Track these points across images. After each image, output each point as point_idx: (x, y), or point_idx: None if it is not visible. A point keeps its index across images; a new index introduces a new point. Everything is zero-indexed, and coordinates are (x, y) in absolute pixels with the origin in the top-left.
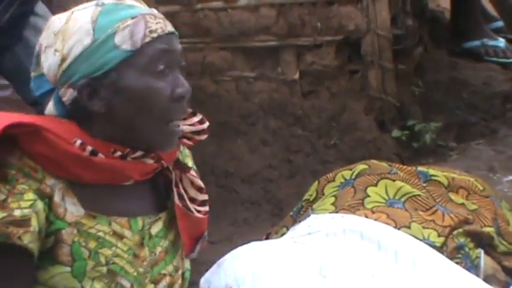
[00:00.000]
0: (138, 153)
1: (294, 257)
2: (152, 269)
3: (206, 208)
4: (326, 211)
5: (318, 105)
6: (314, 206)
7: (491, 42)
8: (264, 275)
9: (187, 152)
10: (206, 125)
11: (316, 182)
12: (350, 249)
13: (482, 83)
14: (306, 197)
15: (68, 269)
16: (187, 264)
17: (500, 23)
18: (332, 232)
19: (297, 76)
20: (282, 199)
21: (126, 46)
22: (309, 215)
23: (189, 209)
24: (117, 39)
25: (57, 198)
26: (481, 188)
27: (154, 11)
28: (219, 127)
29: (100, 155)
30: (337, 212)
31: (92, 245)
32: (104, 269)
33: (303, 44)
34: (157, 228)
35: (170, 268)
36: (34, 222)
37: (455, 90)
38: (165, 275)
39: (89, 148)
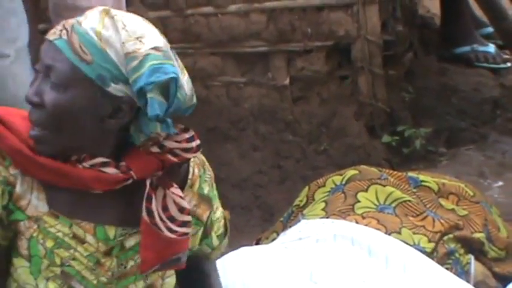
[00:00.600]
0: (96, 160)
1: (284, 262)
2: (118, 281)
3: (185, 229)
4: (316, 216)
5: (308, 111)
6: (304, 212)
7: (481, 48)
8: (254, 281)
9: (207, 176)
10: (195, 143)
11: (307, 188)
12: (341, 254)
13: (472, 88)
14: (296, 202)
15: (27, 264)
16: (170, 281)
17: (490, 29)
18: (322, 238)
19: (287, 81)
20: (272, 205)
21: None
22: (299, 221)
23: (157, 227)
24: None
25: (19, 189)
26: (471, 193)
27: (74, 22)
28: (209, 132)
29: (58, 159)
30: (327, 218)
31: (49, 244)
32: (58, 270)
33: (293, 50)
34: (133, 241)
35: (140, 285)
36: None
37: (446, 96)
38: None
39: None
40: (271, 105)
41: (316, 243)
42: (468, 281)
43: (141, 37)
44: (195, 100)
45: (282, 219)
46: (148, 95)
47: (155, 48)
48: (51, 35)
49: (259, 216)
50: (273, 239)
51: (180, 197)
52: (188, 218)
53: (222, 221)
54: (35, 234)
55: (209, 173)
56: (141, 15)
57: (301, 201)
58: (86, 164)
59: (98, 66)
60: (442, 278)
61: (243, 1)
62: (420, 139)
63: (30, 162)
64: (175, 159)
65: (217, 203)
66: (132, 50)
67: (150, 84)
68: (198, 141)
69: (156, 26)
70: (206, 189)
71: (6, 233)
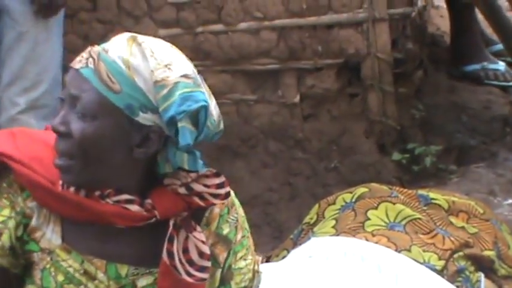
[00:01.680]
0: (122, 197)
1: (294, 280)
2: None
3: (203, 275)
4: (326, 234)
5: (318, 128)
6: (315, 229)
7: (491, 66)
8: None
9: (230, 217)
10: (224, 190)
11: (317, 205)
12: (351, 272)
13: (482, 106)
14: (306, 220)
15: None
16: None
17: (500, 46)
18: (333, 255)
19: (297, 99)
20: (282, 222)
21: None
22: (309, 238)
23: (176, 270)
24: None
25: (35, 222)
26: (482, 211)
27: (100, 50)
28: (219, 150)
29: (82, 191)
30: (337, 235)
31: (60, 278)
32: None
33: (303, 67)
34: (145, 281)
35: None
36: (4, 238)
37: (455, 114)
38: None
39: (72, 188)
40: (281, 122)
41: (326, 260)
42: None
43: (170, 64)
44: (222, 126)
45: (292, 236)
46: (180, 124)
47: (185, 76)
48: (77, 64)
49: (269, 234)
50: (283, 257)
51: (202, 241)
52: (207, 263)
53: (249, 275)
54: (47, 266)
55: (235, 215)
56: (151, 33)
57: (311, 218)
58: (110, 200)
59: (126, 95)
60: None
61: (253, 19)
62: (430, 157)
63: (50, 195)
64: (201, 203)
65: (243, 253)
66: (161, 78)
67: (181, 113)
68: (228, 189)
69: None
70: (226, 230)
71: (18, 262)
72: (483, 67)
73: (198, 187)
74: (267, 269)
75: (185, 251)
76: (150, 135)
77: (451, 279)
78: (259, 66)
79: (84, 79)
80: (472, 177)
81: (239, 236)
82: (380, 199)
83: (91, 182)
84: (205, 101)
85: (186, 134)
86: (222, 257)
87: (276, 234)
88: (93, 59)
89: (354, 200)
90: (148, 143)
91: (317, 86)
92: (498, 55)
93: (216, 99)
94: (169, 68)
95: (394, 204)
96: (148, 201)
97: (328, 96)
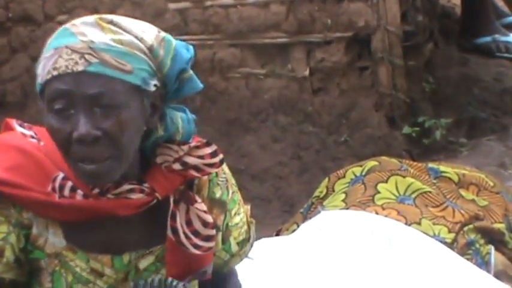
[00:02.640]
0: (124, 188)
1: (304, 253)
2: None
3: (209, 244)
4: (336, 208)
5: (328, 102)
6: (324, 203)
7: (502, 38)
8: (275, 272)
9: (220, 180)
10: (218, 158)
11: (327, 179)
12: (361, 245)
13: (493, 79)
14: (316, 193)
15: None
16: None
17: (511, 19)
18: (343, 229)
19: (307, 73)
20: (292, 196)
21: (39, 79)
22: (319, 212)
23: (183, 244)
24: (38, 70)
25: (35, 230)
26: (492, 184)
27: (88, 43)
28: (228, 124)
29: (79, 191)
30: (347, 209)
31: (69, 278)
32: None
33: (313, 41)
34: (146, 262)
35: None
36: (7, 253)
37: (466, 86)
38: None
39: (69, 184)
40: (291, 96)
41: (336, 234)
42: (488, 272)
43: (144, 30)
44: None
45: (302, 210)
46: (187, 74)
47: (159, 31)
48: (75, 67)
49: (279, 208)
50: (293, 230)
51: (204, 211)
52: (212, 232)
53: (245, 227)
54: (57, 268)
55: (224, 176)
56: (161, 7)
57: (321, 192)
58: (110, 195)
59: (138, 71)
60: (462, 268)
61: None
62: (441, 130)
63: (45, 206)
64: (198, 175)
65: (236, 209)
66: (150, 41)
67: (188, 62)
68: (221, 156)
69: (176, 18)
70: (218, 193)
71: (25, 271)
72: (494, 39)
73: (192, 160)
74: (277, 243)
75: (188, 223)
76: (155, 101)
77: (461, 252)
78: (269, 40)
79: (96, 75)
80: (482, 150)
81: (230, 194)
82: (390, 172)
83: (117, 178)
84: (191, 45)
85: (196, 80)
86: (219, 220)
87: (286, 208)
88: (90, 54)
89: (363, 174)
90: (156, 110)
91: (327, 59)
92: (509, 27)
93: (225, 73)
94: (145, 32)
95: (404, 177)
96: (146, 185)
97: (338, 69)
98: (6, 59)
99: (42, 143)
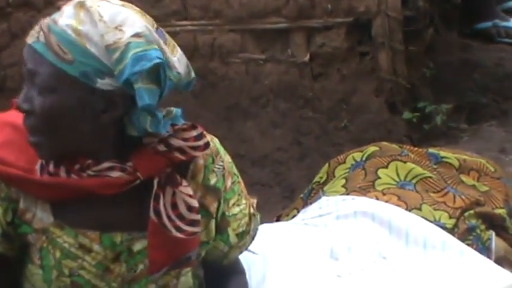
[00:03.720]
0: (102, 166)
1: (305, 239)
2: (130, 286)
3: (194, 229)
4: (337, 193)
5: (328, 87)
6: (325, 188)
7: (502, 23)
8: (275, 257)
9: (216, 167)
10: (203, 141)
11: (327, 164)
12: (361, 231)
13: (494, 64)
14: (316, 179)
15: (40, 271)
16: (185, 280)
17: (511, 4)
18: (343, 214)
19: (307, 58)
20: (293, 181)
21: None
22: (319, 197)
23: (165, 227)
24: None
25: (22, 204)
26: (493, 169)
27: (50, 22)
28: (228, 109)
29: (62, 168)
30: (348, 194)
31: (57, 254)
32: (68, 280)
33: (313, 26)
34: (141, 245)
35: (152, 287)
36: None
37: (467, 72)
38: None
39: (51, 164)
40: (291, 82)
41: (336, 220)
42: (489, 257)
43: (120, 25)
44: (193, 74)
45: (302, 196)
46: (136, 86)
47: (136, 35)
48: (30, 38)
49: (279, 193)
50: (294, 216)
51: (189, 195)
52: (197, 217)
53: (245, 219)
54: (45, 245)
55: (221, 163)
56: None
57: (321, 177)
58: (91, 172)
59: (79, 63)
60: (462, 254)
61: None
62: (441, 115)
63: (28, 183)
64: (182, 157)
65: (235, 199)
66: (112, 41)
67: (135, 74)
68: (206, 139)
69: (175, 3)
70: (213, 180)
71: (14, 245)
72: (495, 24)
73: (176, 142)
74: (277, 229)
75: (174, 206)
76: (114, 99)
77: (462, 238)
78: (269, 25)
79: (38, 53)
80: (483, 136)
81: (229, 183)
82: (390, 158)
83: (65, 153)
84: (159, 58)
85: (143, 95)
86: (213, 207)
87: (286, 194)
88: (44, 32)
89: (364, 159)
90: (113, 107)
91: (327, 44)
92: (510, 12)
93: (225, 59)
94: (120, 30)
95: (404, 162)
96: (129, 163)
97: (338, 55)
98: (6, 44)
99: None
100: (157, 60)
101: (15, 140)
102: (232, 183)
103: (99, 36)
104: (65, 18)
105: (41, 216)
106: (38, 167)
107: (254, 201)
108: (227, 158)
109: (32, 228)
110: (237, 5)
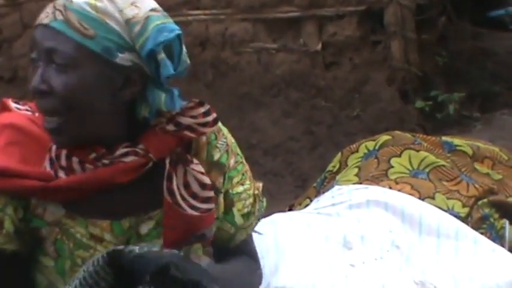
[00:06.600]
0: (116, 154)
1: (317, 228)
2: None
3: (209, 205)
4: (350, 182)
5: (340, 77)
6: (337, 177)
7: None
8: (288, 247)
9: (219, 143)
10: (211, 117)
11: (340, 153)
12: (374, 220)
13: (507, 52)
14: (329, 168)
15: (52, 263)
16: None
17: None
18: (356, 203)
19: (319, 47)
20: (305, 171)
21: None
22: (332, 186)
23: (180, 206)
24: None
25: (33, 199)
26: (506, 157)
27: (65, 2)
28: (240, 99)
29: (74, 159)
30: (360, 183)
31: (71, 244)
32: None
33: (325, 15)
34: (146, 227)
35: None
36: (7, 224)
37: (479, 60)
38: None
39: (64, 152)
40: (303, 71)
41: (349, 209)
42: (503, 246)
43: (135, 2)
44: (188, 61)
45: (315, 185)
46: (159, 56)
47: (153, 10)
48: (44, 20)
49: (291, 183)
50: (306, 205)
51: (201, 172)
52: (211, 193)
53: (250, 200)
54: (58, 237)
55: (223, 140)
56: None
57: (334, 166)
58: (106, 160)
59: (101, 38)
60: (476, 243)
61: None
62: (454, 104)
63: (42, 192)
64: (193, 135)
65: (239, 178)
66: (131, 15)
67: (159, 45)
68: (214, 115)
69: None
70: (217, 156)
71: (26, 241)
72: (507, 12)
73: (185, 120)
74: (290, 218)
75: (186, 185)
76: (131, 76)
77: (475, 226)
78: (281, 14)
79: (57, 32)
80: (496, 124)
81: (232, 161)
82: (403, 146)
83: (83, 138)
84: (179, 30)
85: (167, 64)
86: (218, 182)
87: (299, 183)
88: (60, 11)
89: (377, 148)
90: (130, 84)
91: (339, 33)
92: None
93: (237, 48)
94: (136, 6)
95: (417, 151)
96: (140, 146)
97: (350, 44)
98: (18, 35)
99: (36, 114)
100: (178, 32)
101: (17, 139)
102: (236, 162)
103: (118, 11)
104: None
105: (52, 209)
106: (46, 163)
107: (260, 184)
108: (230, 138)
109: (44, 221)
110: None
